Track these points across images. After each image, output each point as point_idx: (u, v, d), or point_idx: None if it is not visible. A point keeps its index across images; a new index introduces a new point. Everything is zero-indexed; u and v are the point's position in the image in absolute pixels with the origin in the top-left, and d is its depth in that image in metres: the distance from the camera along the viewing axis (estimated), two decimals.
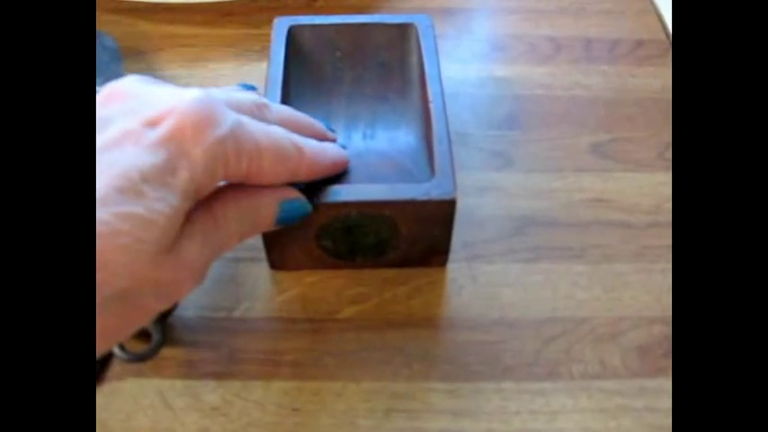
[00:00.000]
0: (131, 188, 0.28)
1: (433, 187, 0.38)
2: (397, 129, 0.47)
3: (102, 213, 0.27)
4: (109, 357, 0.38)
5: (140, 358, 0.37)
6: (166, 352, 0.39)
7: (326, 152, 0.38)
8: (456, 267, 0.44)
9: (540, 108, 0.53)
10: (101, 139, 0.28)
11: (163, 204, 0.28)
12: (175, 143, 0.29)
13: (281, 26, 0.47)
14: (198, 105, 0.30)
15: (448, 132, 0.41)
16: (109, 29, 0.58)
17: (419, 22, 0.48)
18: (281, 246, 0.41)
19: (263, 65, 0.55)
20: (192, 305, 0.41)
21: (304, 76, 0.48)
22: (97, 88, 0.45)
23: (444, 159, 0.40)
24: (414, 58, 0.48)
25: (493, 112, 0.53)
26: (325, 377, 0.39)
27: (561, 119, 0.53)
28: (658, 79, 0.56)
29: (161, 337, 0.37)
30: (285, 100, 0.43)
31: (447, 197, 0.38)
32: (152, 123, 0.30)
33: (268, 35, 0.48)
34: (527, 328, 0.41)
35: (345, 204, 0.38)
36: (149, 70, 0.55)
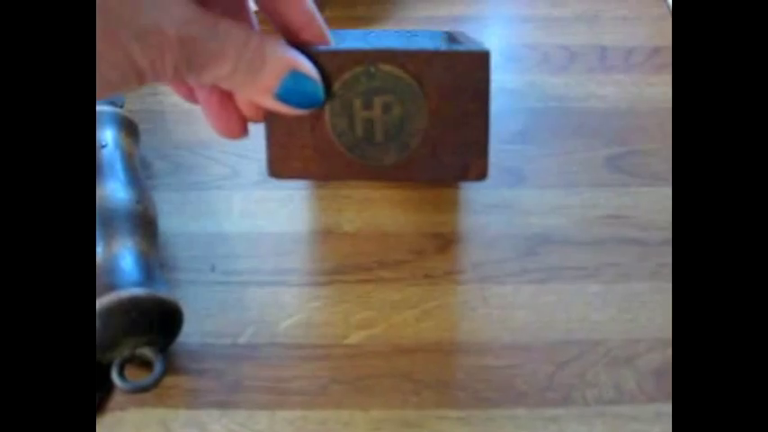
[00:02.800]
0: None
1: (464, 46, 0.36)
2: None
3: None
4: (110, 387, 0.38)
5: (142, 388, 0.36)
6: (170, 380, 0.39)
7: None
8: (467, 289, 0.43)
9: (553, 121, 0.52)
10: None
11: None
12: None
13: None
14: None
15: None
16: None
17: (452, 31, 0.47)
18: (286, 130, 0.37)
19: None
20: (195, 332, 0.40)
21: None
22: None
23: (473, 42, 0.38)
24: None
25: (505, 125, 0.52)
26: (332, 406, 0.38)
27: (575, 132, 0.51)
28: None
29: (163, 366, 0.37)
30: None
31: (480, 49, 0.35)
32: None
33: None
34: (540, 352, 0.40)
35: (365, 54, 0.35)
36: (150, 87, 0.54)
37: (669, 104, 0.53)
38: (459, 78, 0.35)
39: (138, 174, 0.43)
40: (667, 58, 0.57)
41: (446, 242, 0.45)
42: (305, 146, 0.37)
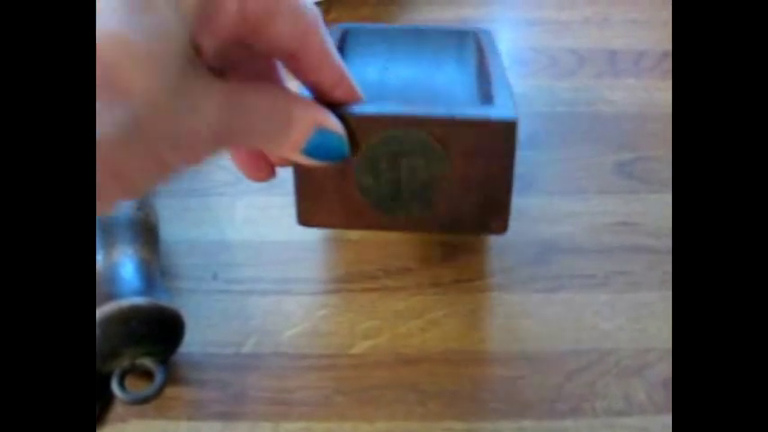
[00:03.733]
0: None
1: (492, 109, 0.36)
2: (452, 88, 0.43)
3: (113, 23, 0.24)
4: (110, 398, 0.37)
5: (143, 399, 0.36)
6: (171, 391, 0.38)
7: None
8: (473, 298, 0.42)
9: (562, 126, 0.52)
10: None
11: (176, 19, 0.26)
12: None
13: (333, 33, 0.45)
14: None
15: (507, 80, 0.39)
16: None
17: (478, 32, 0.47)
18: (313, 185, 0.38)
19: None
20: (198, 341, 0.40)
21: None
22: None
23: (503, 91, 0.38)
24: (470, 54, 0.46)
25: None
26: (336, 417, 0.37)
27: (584, 137, 0.51)
28: None
29: (164, 377, 0.36)
30: None
31: (507, 118, 0.35)
32: None
33: None
34: (548, 362, 0.39)
35: (392, 119, 0.35)
36: None
37: None
38: (486, 145, 0.36)
39: None
40: None
41: (452, 250, 0.44)
42: (331, 200, 0.38)
